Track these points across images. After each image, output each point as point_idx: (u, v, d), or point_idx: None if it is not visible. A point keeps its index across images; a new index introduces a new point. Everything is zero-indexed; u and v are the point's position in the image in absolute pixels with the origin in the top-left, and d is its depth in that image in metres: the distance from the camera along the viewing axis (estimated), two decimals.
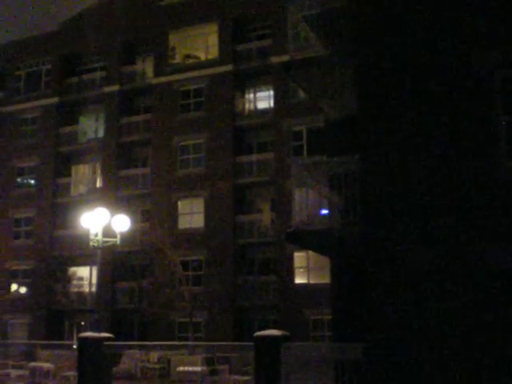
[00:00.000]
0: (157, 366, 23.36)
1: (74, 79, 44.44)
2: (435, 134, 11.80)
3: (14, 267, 42.76)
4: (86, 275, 40.67)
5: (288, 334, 15.39)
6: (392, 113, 12.18)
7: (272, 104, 38.78)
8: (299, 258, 35.76)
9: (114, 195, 40.21)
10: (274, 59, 37.90)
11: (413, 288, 11.61)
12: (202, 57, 41.16)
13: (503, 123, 11.44)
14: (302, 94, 33.39)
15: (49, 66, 45.02)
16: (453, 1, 11.94)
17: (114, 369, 19.91)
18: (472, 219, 11.36)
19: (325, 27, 14.26)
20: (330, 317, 16.62)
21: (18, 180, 44.93)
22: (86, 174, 42.84)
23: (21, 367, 21.60)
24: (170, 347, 24.21)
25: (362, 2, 12.60)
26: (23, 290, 42.82)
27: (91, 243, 24.99)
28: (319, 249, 15.92)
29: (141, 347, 23.58)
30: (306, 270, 35.59)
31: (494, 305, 11.06)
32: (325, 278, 22.23)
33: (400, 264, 11.72)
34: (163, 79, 41.18)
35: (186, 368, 21.13)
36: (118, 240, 25.49)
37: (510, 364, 10.86)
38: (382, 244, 11.95)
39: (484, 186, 11.35)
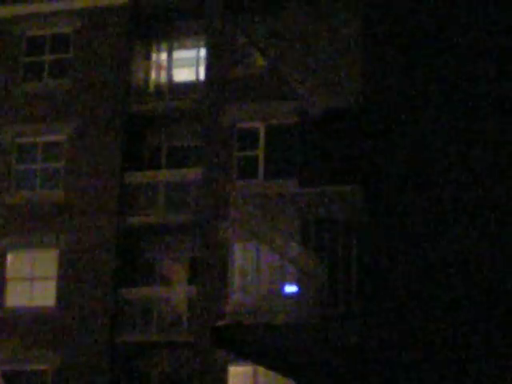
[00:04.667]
0: None
1: None
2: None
3: None
4: None
5: None
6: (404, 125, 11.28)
7: (202, 75, 34.83)
8: (238, 376, 31.99)
9: None
10: None
11: None
12: None
13: None
14: (259, 60, 32.12)
15: None
16: None
17: None
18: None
19: None
20: None
21: None
22: None
23: None
24: None
25: None
26: None
27: None
28: (275, 363, 13.62)
29: None
30: None
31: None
32: None
33: None
34: None
35: None
36: None
37: None
38: (390, 354, 10.76)
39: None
